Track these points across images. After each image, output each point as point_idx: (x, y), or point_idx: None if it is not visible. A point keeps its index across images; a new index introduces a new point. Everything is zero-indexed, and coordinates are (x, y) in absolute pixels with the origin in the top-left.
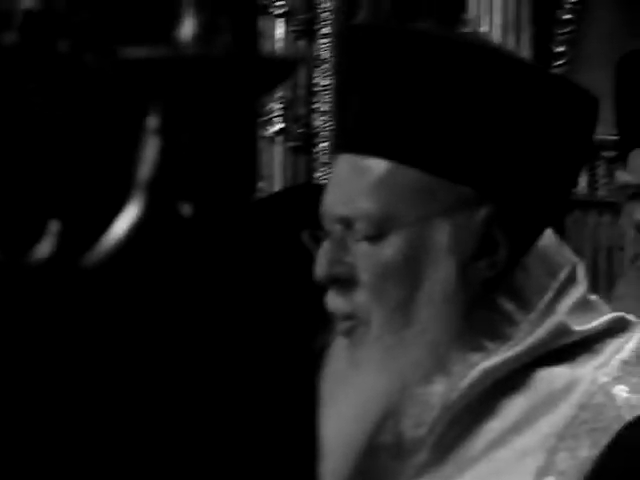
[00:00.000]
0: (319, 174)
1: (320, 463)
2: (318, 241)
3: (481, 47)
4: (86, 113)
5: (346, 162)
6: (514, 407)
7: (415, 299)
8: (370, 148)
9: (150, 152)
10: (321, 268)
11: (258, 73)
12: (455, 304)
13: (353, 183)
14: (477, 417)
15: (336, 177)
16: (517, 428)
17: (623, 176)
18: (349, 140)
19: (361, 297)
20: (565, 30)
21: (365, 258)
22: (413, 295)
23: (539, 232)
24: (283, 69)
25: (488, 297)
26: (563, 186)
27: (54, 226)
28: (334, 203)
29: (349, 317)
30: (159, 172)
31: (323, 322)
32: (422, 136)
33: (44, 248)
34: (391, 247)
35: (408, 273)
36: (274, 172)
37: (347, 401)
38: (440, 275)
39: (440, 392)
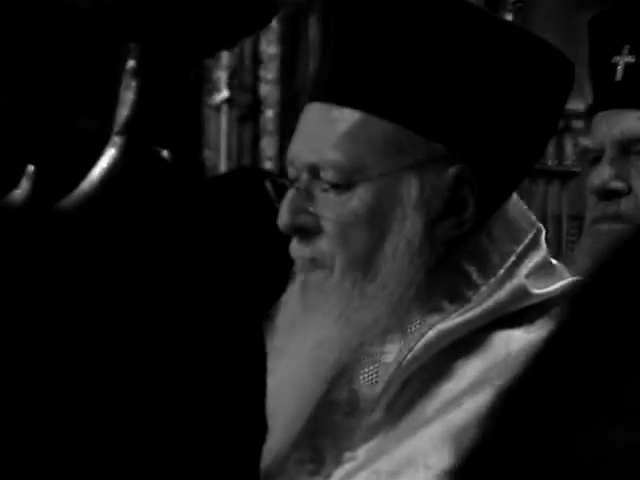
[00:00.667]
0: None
1: (270, 417)
2: (281, 191)
3: (459, 3)
4: (65, 55)
5: (316, 111)
6: (470, 369)
7: (379, 252)
8: (343, 98)
9: (129, 94)
10: (285, 217)
11: (239, 12)
12: (418, 261)
13: (323, 132)
14: (432, 378)
15: (305, 125)
16: (472, 390)
17: (584, 141)
18: (322, 89)
19: (324, 245)
20: None
21: (330, 208)
22: (377, 248)
23: (507, 195)
24: (264, 10)
25: (451, 258)
26: (533, 150)
27: (31, 170)
28: (302, 150)
29: (312, 261)
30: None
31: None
32: (396, 88)
33: (22, 192)
34: (357, 198)
35: (373, 226)
36: (220, 141)
37: (302, 353)
38: (406, 230)
39: (396, 351)
